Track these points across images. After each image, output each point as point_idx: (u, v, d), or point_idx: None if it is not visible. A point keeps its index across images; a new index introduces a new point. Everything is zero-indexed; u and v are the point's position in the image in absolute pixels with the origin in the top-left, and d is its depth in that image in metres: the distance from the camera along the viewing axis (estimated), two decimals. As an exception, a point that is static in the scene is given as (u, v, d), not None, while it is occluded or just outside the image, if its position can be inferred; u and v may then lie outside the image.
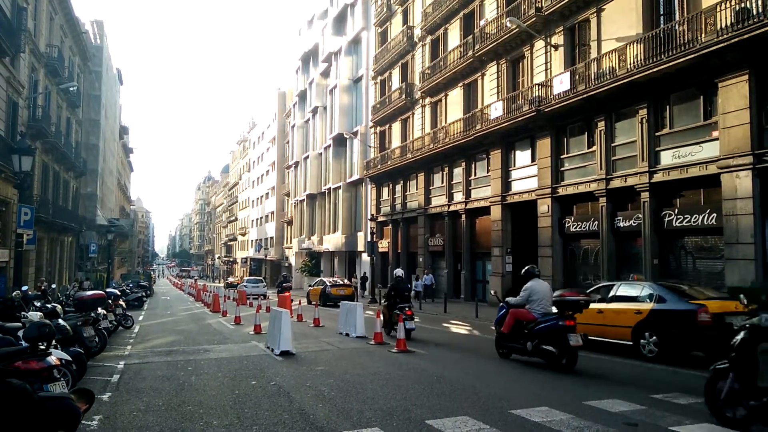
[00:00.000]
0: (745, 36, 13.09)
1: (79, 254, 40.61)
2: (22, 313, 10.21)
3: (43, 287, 16.65)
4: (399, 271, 14.80)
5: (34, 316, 9.65)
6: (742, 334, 5.61)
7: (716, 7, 14.03)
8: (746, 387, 5.38)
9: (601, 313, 11.15)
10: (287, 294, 23.93)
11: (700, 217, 15.40)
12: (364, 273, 35.95)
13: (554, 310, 9.51)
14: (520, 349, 9.73)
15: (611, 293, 11.48)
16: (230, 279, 62.68)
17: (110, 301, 15.27)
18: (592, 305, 10.86)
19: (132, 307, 24.61)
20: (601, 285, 12.62)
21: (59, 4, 29.96)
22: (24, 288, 14.25)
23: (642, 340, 10.33)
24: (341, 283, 29.73)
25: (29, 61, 24.59)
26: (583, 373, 8.87)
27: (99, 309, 12.52)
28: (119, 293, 19.89)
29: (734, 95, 14.18)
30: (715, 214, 14.88)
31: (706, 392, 5.91)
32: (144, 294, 33.95)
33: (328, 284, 28.44)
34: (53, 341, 7.55)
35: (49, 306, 11.39)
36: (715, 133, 14.91)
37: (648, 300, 10.58)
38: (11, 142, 18.50)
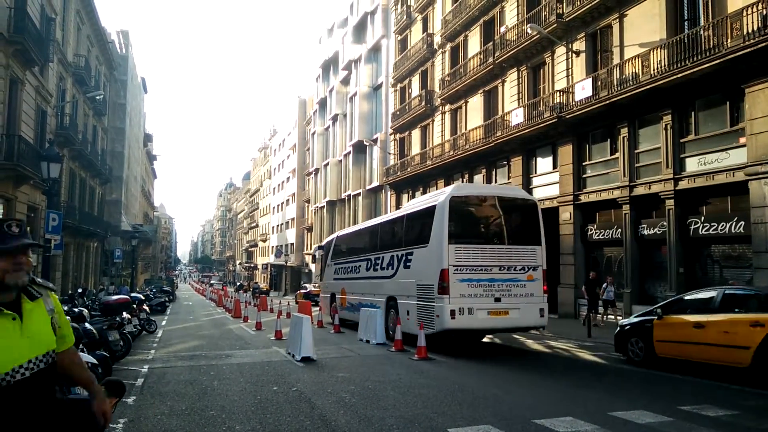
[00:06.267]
0: (773, 40, 12.86)
1: (104, 259, 41.34)
2: (50, 317, 10.40)
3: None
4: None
5: (62, 320, 9.82)
6: None
7: (742, 11, 13.81)
8: None
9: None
10: (308, 302, 24.00)
11: (728, 225, 15.09)
12: None
13: None
14: None
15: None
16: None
17: (134, 306, 15.51)
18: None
19: (155, 312, 24.93)
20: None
21: (86, 14, 30.71)
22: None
23: None
24: None
25: (57, 71, 25.22)
26: (607, 382, 8.73)
27: (124, 313, 12.73)
28: (143, 298, 20.16)
29: (762, 101, 13.91)
30: (742, 222, 14.57)
31: None
32: (167, 299, 34.37)
33: None
34: (80, 345, 7.68)
35: (76, 310, 11.60)
36: (742, 140, 14.63)
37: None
38: (40, 150, 18.96)
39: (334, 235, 23.28)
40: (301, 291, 37.47)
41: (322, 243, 28.23)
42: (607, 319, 18.04)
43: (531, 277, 12.17)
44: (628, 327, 10.88)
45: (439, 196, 13.08)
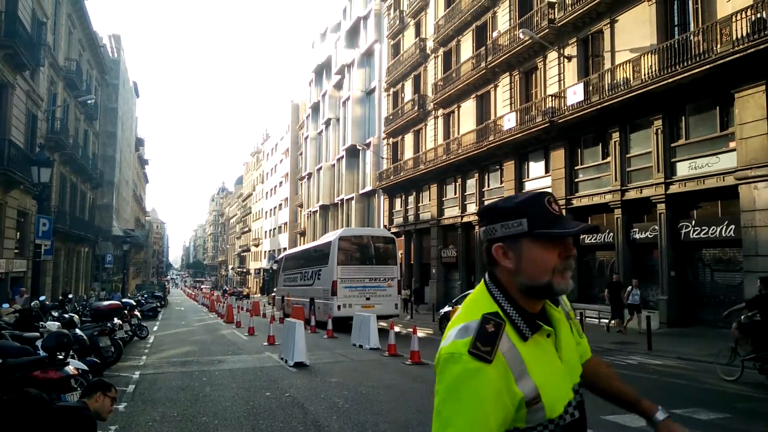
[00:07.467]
0: (761, 46, 12.98)
1: (95, 265, 41.04)
2: (40, 322, 10.32)
3: (17, 303, 14.13)
4: None
5: (52, 326, 9.74)
6: None
7: (732, 17, 13.96)
8: None
9: None
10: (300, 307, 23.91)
11: (718, 229, 15.20)
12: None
13: None
14: None
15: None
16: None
17: (126, 312, 15.39)
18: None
19: (147, 318, 24.74)
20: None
21: (78, 18, 30.58)
22: (42, 298, 14.37)
23: None
24: None
25: (48, 75, 25.07)
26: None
27: (115, 319, 12.64)
28: (135, 303, 20.01)
29: (751, 106, 14.05)
30: (733, 226, 14.68)
31: None
32: (159, 304, 34.14)
33: None
34: (71, 351, 7.60)
35: (66, 316, 11.51)
36: (732, 144, 14.76)
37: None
38: (30, 154, 18.83)
39: (284, 254, 33.07)
40: (272, 294, 40.31)
41: (277, 258, 40.52)
42: (629, 326, 16.08)
43: (390, 284, 19.12)
44: (443, 313, 17.27)
45: (332, 235, 20.34)
